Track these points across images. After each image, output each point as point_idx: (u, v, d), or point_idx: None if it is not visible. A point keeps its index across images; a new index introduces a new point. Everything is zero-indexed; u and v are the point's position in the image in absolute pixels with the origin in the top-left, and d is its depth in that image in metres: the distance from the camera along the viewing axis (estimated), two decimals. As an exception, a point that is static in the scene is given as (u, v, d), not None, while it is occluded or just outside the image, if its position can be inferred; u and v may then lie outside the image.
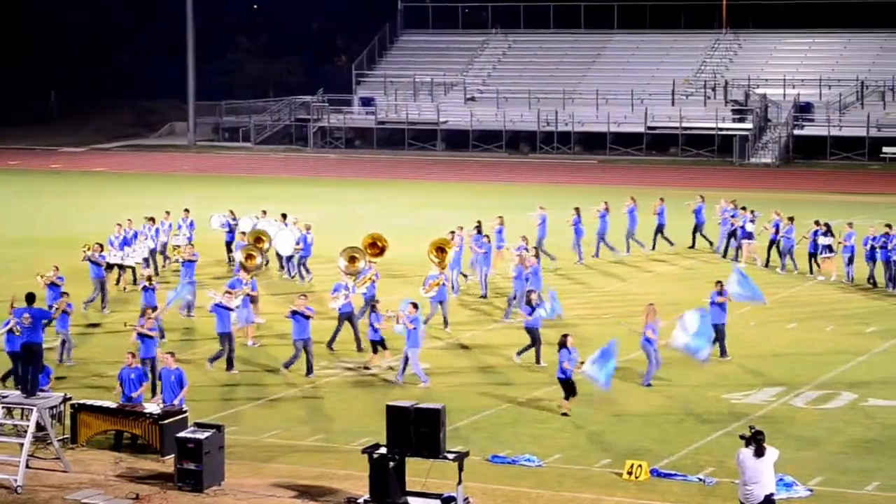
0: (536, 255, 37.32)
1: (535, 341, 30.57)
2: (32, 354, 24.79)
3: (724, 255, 43.89)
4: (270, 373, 30.38)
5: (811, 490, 22.20)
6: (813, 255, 40.75)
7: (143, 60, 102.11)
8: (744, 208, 43.54)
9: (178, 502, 22.11)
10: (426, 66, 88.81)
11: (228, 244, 42.95)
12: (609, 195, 49.53)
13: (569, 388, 26.80)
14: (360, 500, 21.49)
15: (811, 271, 40.98)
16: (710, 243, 45.54)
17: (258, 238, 38.34)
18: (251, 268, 34.85)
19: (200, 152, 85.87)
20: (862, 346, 32.61)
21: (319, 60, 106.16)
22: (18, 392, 24.66)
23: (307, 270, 40.72)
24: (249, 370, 30.65)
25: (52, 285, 32.87)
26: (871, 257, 39.39)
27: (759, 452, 18.87)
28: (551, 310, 30.59)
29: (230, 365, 30.33)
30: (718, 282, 31.36)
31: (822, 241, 40.31)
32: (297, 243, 40.53)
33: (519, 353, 30.86)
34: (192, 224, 42.53)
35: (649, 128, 79.07)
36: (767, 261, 42.22)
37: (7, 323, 25.95)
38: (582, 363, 26.61)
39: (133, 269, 39.36)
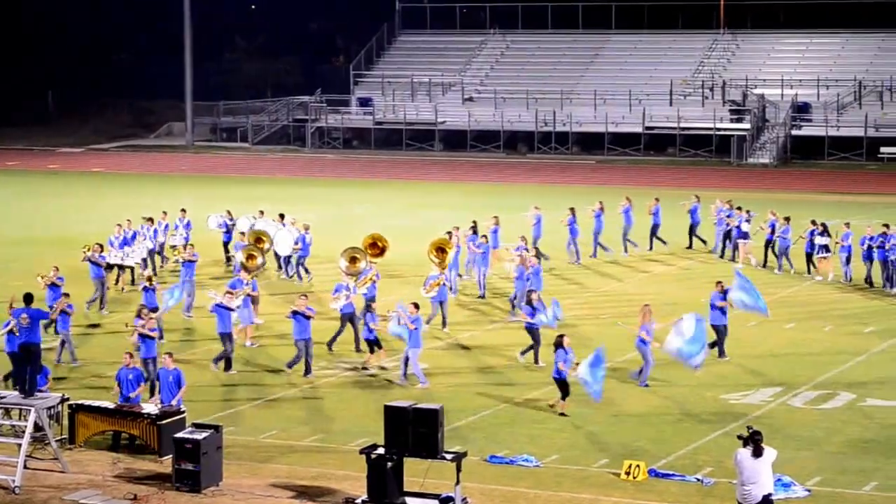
0: (537, 256, 37.35)
1: (536, 341, 30.60)
2: (31, 355, 24.80)
3: (722, 256, 43.94)
4: (269, 373, 30.39)
5: (809, 490, 22.21)
6: (810, 255, 40.81)
7: (142, 61, 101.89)
8: (739, 208, 43.56)
9: (176, 503, 22.12)
10: (424, 67, 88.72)
11: (226, 244, 43.04)
12: (607, 195, 49.55)
13: (565, 388, 26.80)
14: (358, 501, 21.49)
15: (809, 271, 41.03)
16: (704, 242, 45.58)
17: (259, 238, 38.35)
18: (252, 268, 34.84)
19: (198, 152, 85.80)
20: (860, 346, 32.62)
21: (317, 61, 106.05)
22: (16, 392, 24.67)
23: (307, 270, 40.73)
24: (248, 370, 30.66)
25: (53, 286, 32.87)
26: (868, 257, 39.42)
27: (757, 452, 18.89)
28: (552, 316, 30.50)
29: (228, 365, 30.36)
30: (719, 282, 31.32)
31: (818, 240, 40.38)
32: (296, 243, 40.55)
33: (523, 353, 30.88)
34: (188, 224, 42.53)
35: (647, 128, 78.99)
36: (765, 261, 42.23)
37: (7, 324, 25.97)
38: (577, 364, 26.60)
39: (132, 269, 39.41)
